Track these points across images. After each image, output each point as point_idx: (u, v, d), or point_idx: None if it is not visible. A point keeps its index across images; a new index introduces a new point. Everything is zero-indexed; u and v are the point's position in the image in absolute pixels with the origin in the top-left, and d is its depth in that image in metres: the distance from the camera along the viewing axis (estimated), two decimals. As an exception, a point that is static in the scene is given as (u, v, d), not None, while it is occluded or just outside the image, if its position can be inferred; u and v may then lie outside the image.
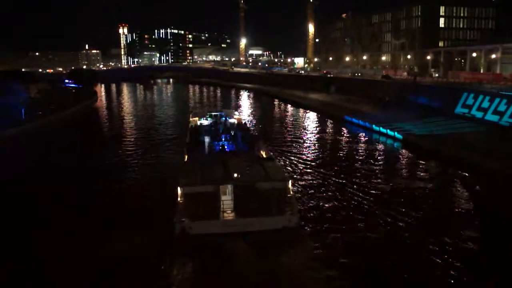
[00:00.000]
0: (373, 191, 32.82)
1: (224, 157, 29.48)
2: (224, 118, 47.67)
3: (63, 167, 42.69)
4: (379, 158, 45.59)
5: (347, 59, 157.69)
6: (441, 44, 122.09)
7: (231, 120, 47.59)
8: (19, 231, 26.45)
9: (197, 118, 49.43)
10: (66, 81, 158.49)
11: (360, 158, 45.32)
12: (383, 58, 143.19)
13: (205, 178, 25.09)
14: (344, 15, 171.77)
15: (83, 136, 63.22)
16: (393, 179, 36.63)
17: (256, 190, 24.13)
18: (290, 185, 26.19)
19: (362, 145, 52.46)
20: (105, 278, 20.65)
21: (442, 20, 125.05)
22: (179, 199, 24.49)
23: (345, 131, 61.78)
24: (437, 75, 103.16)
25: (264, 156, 32.03)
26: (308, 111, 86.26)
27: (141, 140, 57.27)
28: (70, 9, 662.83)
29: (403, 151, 48.23)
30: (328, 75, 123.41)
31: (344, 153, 48.18)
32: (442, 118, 56.99)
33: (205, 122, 47.10)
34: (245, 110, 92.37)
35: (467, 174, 36.94)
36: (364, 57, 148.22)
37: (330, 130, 65.12)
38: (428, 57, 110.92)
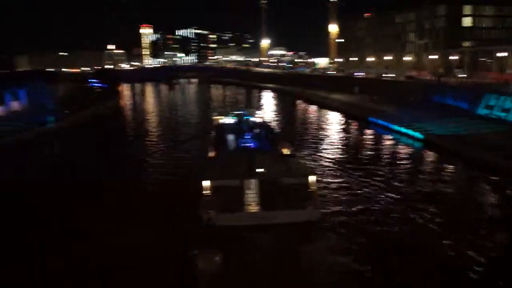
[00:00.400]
0: (395, 192, 33.09)
1: (249, 154, 30.45)
2: (247, 117, 48.70)
3: (83, 166, 43.80)
4: (401, 158, 45.72)
5: (370, 59, 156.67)
6: (466, 44, 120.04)
7: (254, 119, 48.59)
8: (17, 231, 26.69)
9: (221, 117, 50.61)
10: (90, 80, 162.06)
11: (382, 158, 45.59)
12: (407, 58, 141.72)
13: (231, 173, 26.18)
14: (367, 15, 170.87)
15: (106, 135, 64.61)
16: (415, 179, 36.81)
17: (280, 184, 25.09)
18: (313, 180, 26.87)
19: (385, 145, 52.67)
20: (131, 271, 21.19)
21: (467, 20, 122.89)
22: (205, 192, 25.60)
23: (368, 132, 61.92)
24: (462, 75, 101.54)
25: (287, 153, 32.89)
26: (331, 111, 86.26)
27: (164, 138, 58.68)
28: (95, 8, 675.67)
29: (425, 151, 48.24)
30: (355, 75, 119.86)
31: (367, 153, 48.42)
32: (464, 118, 56.72)
33: (228, 120, 48.24)
34: (267, 110, 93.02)
35: (487, 175, 36.86)
36: (388, 57, 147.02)
37: (353, 131, 65.35)
38: (453, 58, 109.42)
